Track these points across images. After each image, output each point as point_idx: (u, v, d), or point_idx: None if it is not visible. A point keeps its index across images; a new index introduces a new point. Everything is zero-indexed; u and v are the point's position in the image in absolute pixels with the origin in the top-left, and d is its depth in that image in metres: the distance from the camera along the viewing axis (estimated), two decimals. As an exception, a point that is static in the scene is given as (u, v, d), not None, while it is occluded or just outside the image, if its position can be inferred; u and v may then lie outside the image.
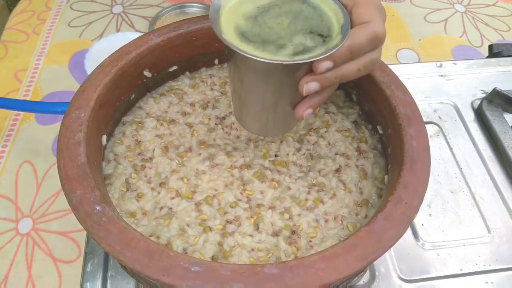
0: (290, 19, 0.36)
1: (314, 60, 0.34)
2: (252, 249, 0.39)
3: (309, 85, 0.35)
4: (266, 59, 0.33)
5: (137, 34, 0.71)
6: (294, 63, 0.34)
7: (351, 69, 0.35)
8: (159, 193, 0.43)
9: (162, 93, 0.51)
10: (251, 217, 0.41)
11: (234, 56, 0.36)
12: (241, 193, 0.43)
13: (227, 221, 0.41)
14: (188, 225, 0.40)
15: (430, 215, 0.50)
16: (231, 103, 0.43)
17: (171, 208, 0.42)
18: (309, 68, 0.35)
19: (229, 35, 0.35)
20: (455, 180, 0.54)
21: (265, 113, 0.40)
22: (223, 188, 0.43)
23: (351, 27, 0.35)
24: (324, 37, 0.35)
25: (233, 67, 0.38)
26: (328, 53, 0.33)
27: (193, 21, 0.49)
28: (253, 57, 0.33)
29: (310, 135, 0.48)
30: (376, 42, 0.35)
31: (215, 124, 0.49)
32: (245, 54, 0.33)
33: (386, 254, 0.47)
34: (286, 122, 0.42)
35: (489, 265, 0.47)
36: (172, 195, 0.42)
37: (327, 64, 0.34)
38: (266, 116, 0.40)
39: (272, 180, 0.44)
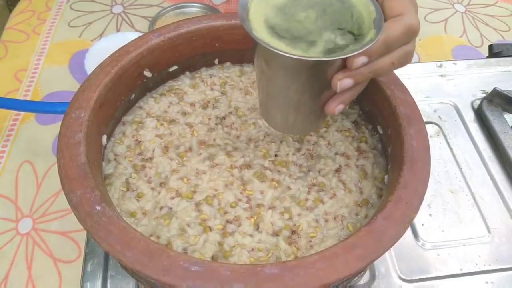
0: (318, 12, 0.35)
1: (349, 56, 0.33)
2: (252, 249, 0.39)
3: (343, 82, 0.34)
4: (304, 57, 0.32)
5: (137, 34, 0.72)
6: (330, 60, 0.33)
7: (385, 63, 0.35)
8: (159, 193, 0.43)
9: (162, 93, 0.51)
10: (251, 217, 0.41)
11: (265, 54, 0.35)
12: (241, 193, 0.43)
13: (227, 221, 0.41)
14: (188, 225, 0.40)
15: (430, 215, 0.50)
16: (258, 99, 0.42)
17: (171, 208, 0.42)
18: (342, 65, 0.34)
19: (259, 30, 0.34)
20: (455, 180, 0.54)
21: (293, 111, 0.39)
22: (223, 188, 0.43)
23: (384, 21, 0.35)
24: (355, 35, 0.34)
25: (263, 64, 0.37)
26: (363, 48, 0.32)
27: (193, 21, 0.49)
28: (289, 55, 0.32)
29: (310, 135, 0.48)
30: (411, 34, 0.35)
31: (215, 124, 0.49)
32: (280, 53, 0.32)
33: (386, 254, 0.47)
34: (314, 119, 0.42)
35: (489, 265, 0.47)
36: (172, 195, 0.42)
37: (363, 59, 0.33)
38: (294, 114, 0.40)
39: (272, 180, 0.44)
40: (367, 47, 0.32)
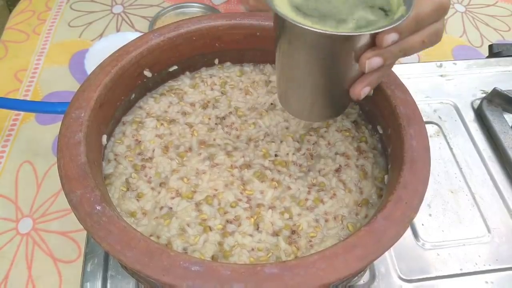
0: None
1: (379, 32, 0.32)
2: (252, 249, 0.39)
3: (372, 61, 0.33)
4: (334, 32, 0.31)
5: (137, 34, 0.71)
6: (360, 35, 0.32)
7: (416, 41, 0.34)
8: (159, 193, 0.43)
9: (162, 93, 0.51)
10: (251, 217, 0.41)
11: (290, 32, 0.34)
12: (241, 193, 0.43)
13: (227, 221, 0.41)
14: (188, 225, 0.40)
15: (430, 215, 0.50)
16: (277, 85, 0.41)
17: (171, 208, 0.42)
18: (370, 43, 0.33)
19: (283, 9, 0.33)
20: (455, 180, 0.54)
21: (315, 95, 0.38)
22: (223, 188, 0.43)
23: None
24: (385, 11, 0.34)
25: (285, 44, 0.35)
26: (393, 24, 0.31)
27: (193, 21, 0.49)
28: (319, 30, 0.31)
29: (310, 135, 0.48)
30: (441, 12, 0.34)
31: (215, 124, 0.49)
32: (309, 28, 0.31)
33: (386, 254, 0.47)
34: (336, 104, 0.40)
35: (489, 265, 0.47)
36: (172, 195, 0.42)
37: (393, 36, 0.32)
38: (317, 98, 0.38)
39: (272, 180, 0.44)
40: (398, 23, 0.31)
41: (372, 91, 0.39)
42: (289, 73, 0.38)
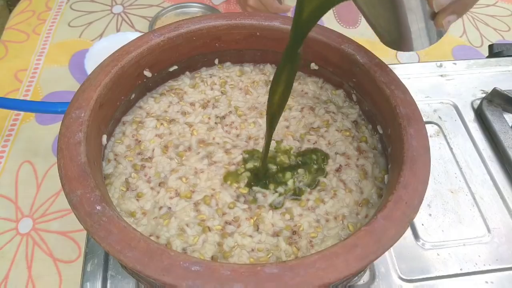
0: None
1: None
2: (252, 250, 0.39)
3: None
4: None
5: (137, 34, 0.72)
6: None
7: None
8: (158, 192, 0.43)
9: (162, 92, 0.51)
10: (251, 217, 0.41)
11: None
12: (234, 191, 0.43)
13: (226, 222, 0.41)
14: (187, 225, 0.40)
15: (430, 215, 0.50)
16: (368, 19, 0.40)
17: (170, 208, 0.42)
18: None
19: None
20: (455, 180, 0.54)
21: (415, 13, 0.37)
22: (220, 187, 0.43)
23: None
24: None
25: None
26: None
27: (193, 21, 0.49)
28: None
29: (311, 134, 0.48)
30: None
31: (215, 123, 0.49)
32: None
33: (386, 254, 0.47)
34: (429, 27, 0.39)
35: (489, 265, 0.47)
36: (171, 194, 0.42)
37: None
38: (416, 18, 0.38)
39: (272, 180, 0.44)
40: None
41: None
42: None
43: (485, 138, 0.58)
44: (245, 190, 0.43)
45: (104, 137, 0.44)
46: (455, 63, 0.66)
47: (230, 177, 0.44)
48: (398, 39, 0.41)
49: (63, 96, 0.69)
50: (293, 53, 0.38)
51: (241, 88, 0.52)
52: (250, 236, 0.40)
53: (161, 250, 0.32)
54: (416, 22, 0.38)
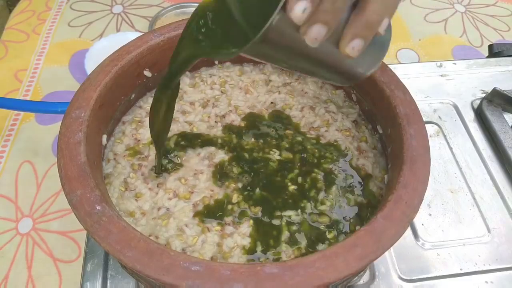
0: None
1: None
2: (252, 249, 0.39)
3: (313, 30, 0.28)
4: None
5: (137, 34, 0.71)
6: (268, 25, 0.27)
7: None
8: (156, 193, 0.43)
9: (162, 92, 0.51)
10: (251, 218, 0.41)
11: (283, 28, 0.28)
12: (231, 192, 0.43)
13: (226, 223, 0.41)
14: (186, 226, 0.40)
15: (430, 215, 0.50)
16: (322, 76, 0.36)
17: (168, 209, 0.42)
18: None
19: None
20: (455, 180, 0.54)
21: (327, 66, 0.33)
22: (219, 189, 0.43)
23: None
24: None
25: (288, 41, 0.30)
26: None
27: (193, 21, 0.49)
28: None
29: (311, 134, 0.48)
30: None
31: (215, 122, 0.49)
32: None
33: (386, 253, 0.47)
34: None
35: (489, 264, 0.47)
36: (170, 195, 0.42)
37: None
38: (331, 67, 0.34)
39: (272, 179, 0.44)
40: None
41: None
42: (316, 55, 0.33)
43: (485, 138, 0.58)
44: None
45: (104, 137, 0.44)
46: (455, 63, 0.66)
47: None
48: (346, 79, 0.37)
49: (63, 96, 0.69)
50: (171, 84, 0.38)
51: (241, 88, 0.52)
52: (250, 236, 0.40)
53: (161, 250, 0.32)
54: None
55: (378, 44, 0.35)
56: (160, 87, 0.39)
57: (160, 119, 0.40)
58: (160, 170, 0.43)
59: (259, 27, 0.26)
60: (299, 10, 0.26)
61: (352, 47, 0.30)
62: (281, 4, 0.26)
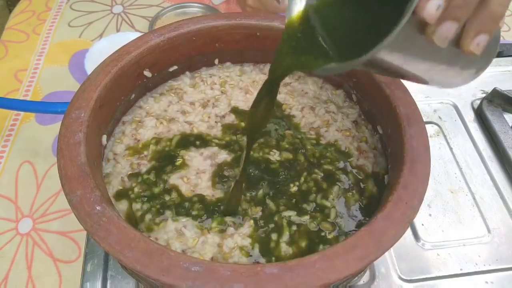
0: None
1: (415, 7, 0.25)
2: (252, 249, 0.39)
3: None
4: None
5: (137, 34, 0.72)
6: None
7: None
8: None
9: (162, 92, 0.51)
10: (251, 218, 0.41)
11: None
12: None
13: (225, 223, 0.41)
14: (185, 227, 0.40)
15: (430, 215, 0.50)
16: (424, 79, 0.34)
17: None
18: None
19: None
20: (455, 180, 0.54)
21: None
22: (220, 188, 0.43)
23: None
24: None
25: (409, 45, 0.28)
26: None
27: (193, 21, 0.49)
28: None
29: (311, 134, 0.48)
30: None
31: (215, 122, 0.49)
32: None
33: (386, 254, 0.47)
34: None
35: (489, 265, 0.47)
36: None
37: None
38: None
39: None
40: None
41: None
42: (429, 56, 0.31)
43: (485, 138, 0.58)
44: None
45: (104, 137, 0.44)
46: (455, 63, 0.66)
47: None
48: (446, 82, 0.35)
49: (63, 96, 0.69)
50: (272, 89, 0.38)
51: (241, 88, 0.52)
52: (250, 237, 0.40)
53: (161, 250, 0.32)
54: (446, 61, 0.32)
55: (494, 38, 0.31)
56: (264, 91, 0.38)
57: (262, 114, 0.39)
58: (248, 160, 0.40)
59: (385, 33, 0.25)
60: (433, 8, 0.25)
61: (477, 43, 0.29)
62: (415, 3, 0.24)
